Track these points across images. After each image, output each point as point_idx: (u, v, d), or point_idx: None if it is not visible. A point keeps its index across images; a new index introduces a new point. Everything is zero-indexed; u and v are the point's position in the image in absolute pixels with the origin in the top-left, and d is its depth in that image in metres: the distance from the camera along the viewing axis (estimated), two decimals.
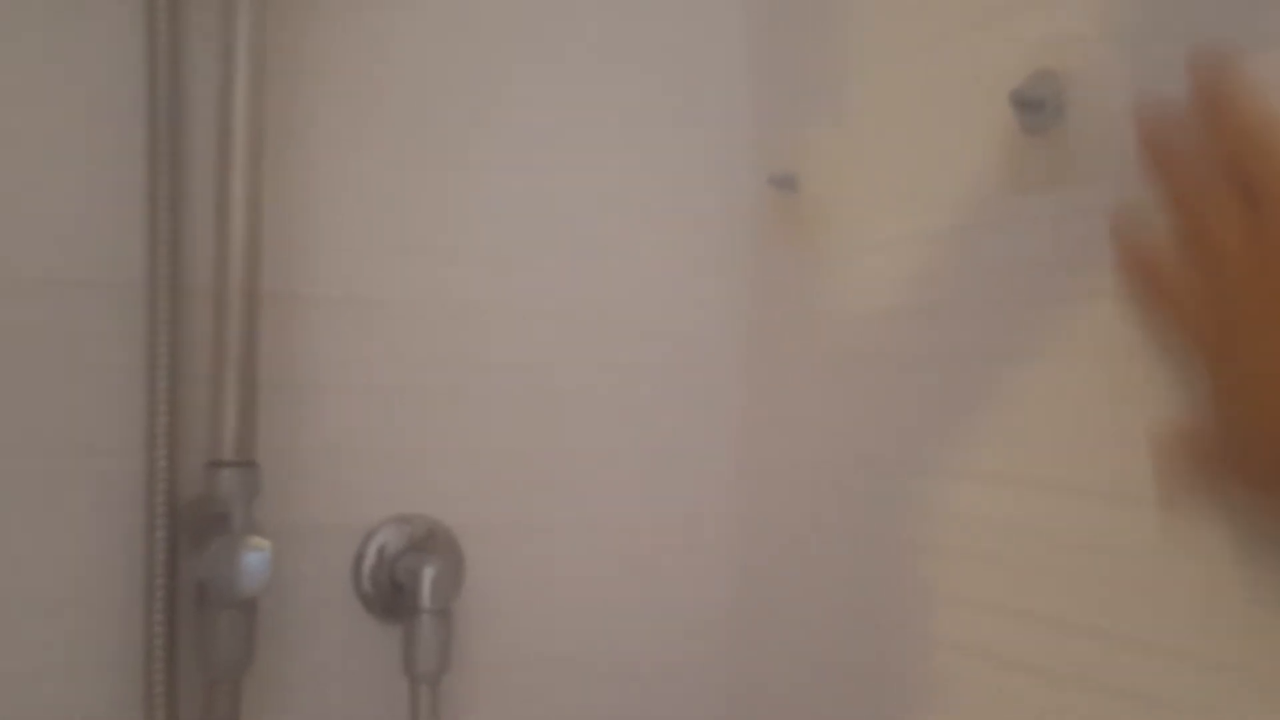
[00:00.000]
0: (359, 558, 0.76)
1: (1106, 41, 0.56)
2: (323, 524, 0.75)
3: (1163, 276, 0.48)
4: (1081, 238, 0.57)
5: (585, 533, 0.83)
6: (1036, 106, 0.58)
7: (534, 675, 0.81)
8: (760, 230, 0.88)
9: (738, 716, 0.88)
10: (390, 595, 0.76)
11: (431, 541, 0.77)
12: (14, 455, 0.66)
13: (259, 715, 0.71)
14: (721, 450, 0.88)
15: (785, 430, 0.84)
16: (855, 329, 0.76)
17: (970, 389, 0.65)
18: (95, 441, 0.68)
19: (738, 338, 0.89)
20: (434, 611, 0.71)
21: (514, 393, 0.81)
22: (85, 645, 0.67)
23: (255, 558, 0.61)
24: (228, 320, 0.67)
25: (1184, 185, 0.46)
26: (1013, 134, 0.61)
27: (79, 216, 0.67)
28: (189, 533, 0.67)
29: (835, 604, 0.76)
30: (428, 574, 0.71)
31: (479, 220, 0.80)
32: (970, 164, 0.65)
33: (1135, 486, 0.54)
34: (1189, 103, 0.47)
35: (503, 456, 0.80)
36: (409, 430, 0.77)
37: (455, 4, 0.79)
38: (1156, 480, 0.51)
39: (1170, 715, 0.51)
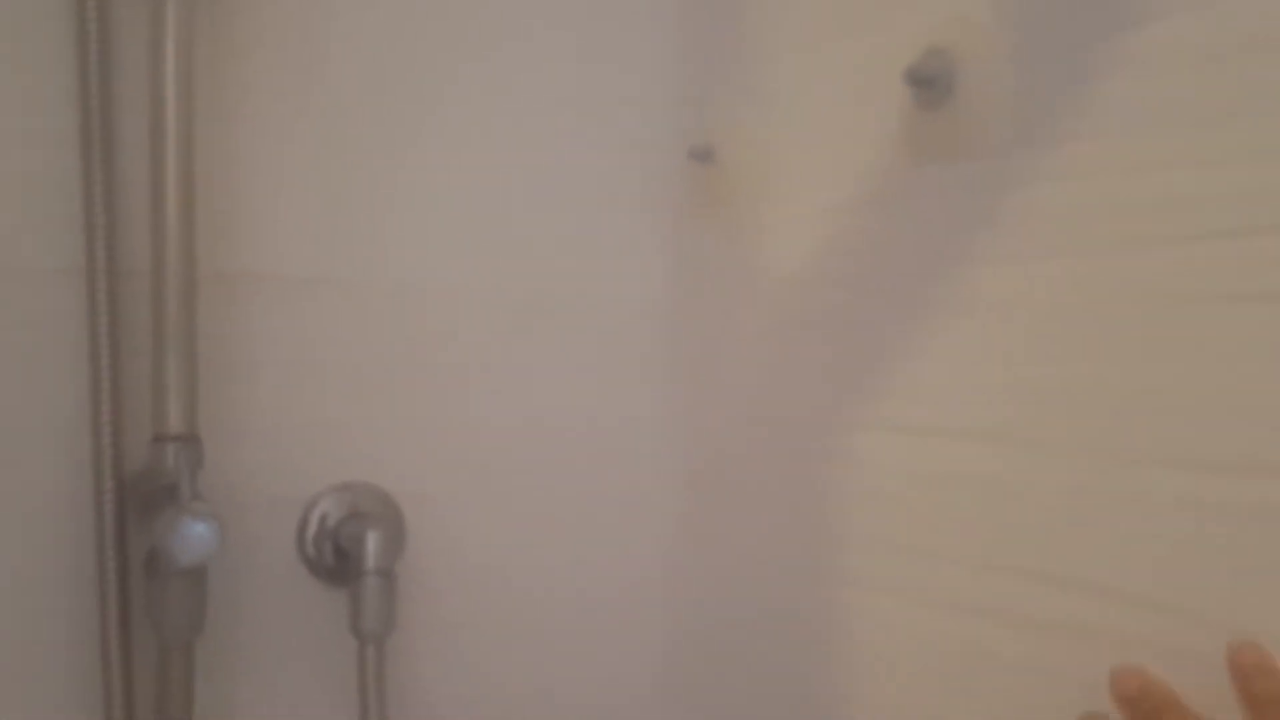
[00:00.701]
0: (303, 525, 0.79)
1: (993, 16, 0.61)
2: (267, 494, 0.77)
3: None
4: (975, 206, 0.62)
5: (522, 496, 0.87)
6: (929, 82, 0.63)
7: (475, 633, 0.85)
8: (682, 202, 0.91)
9: (674, 664, 0.92)
10: (334, 560, 0.79)
11: (372, 507, 0.81)
12: None
13: (212, 678, 0.74)
14: (655, 414, 0.92)
15: (715, 394, 0.88)
16: (778, 294, 0.80)
17: (883, 348, 0.70)
18: (43, 422, 0.70)
19: (664, 307, 0.92)
20: (378, 573, 0.74)
21: (450, 364, 0.84)
22: (42, 616, 0.70)
23: (203, 527, 0.64)
24: (166, 301, 0.69)
25: None
26: (910, 110, 0.66)
27: (16, 206, 0.69)
28: (137, 505, 0.70)
29: (766, 549, 0.81)
30: (371, 537, 0.74)
31: (411, 201, 0.82)
32: (873, 139, 0.69)
33: (1033, 433, 0.59)
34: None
35: (441, 426, 0.84)
36: (347, 403, 0.80)
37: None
38: None
39: (1064, 638, 0.57)
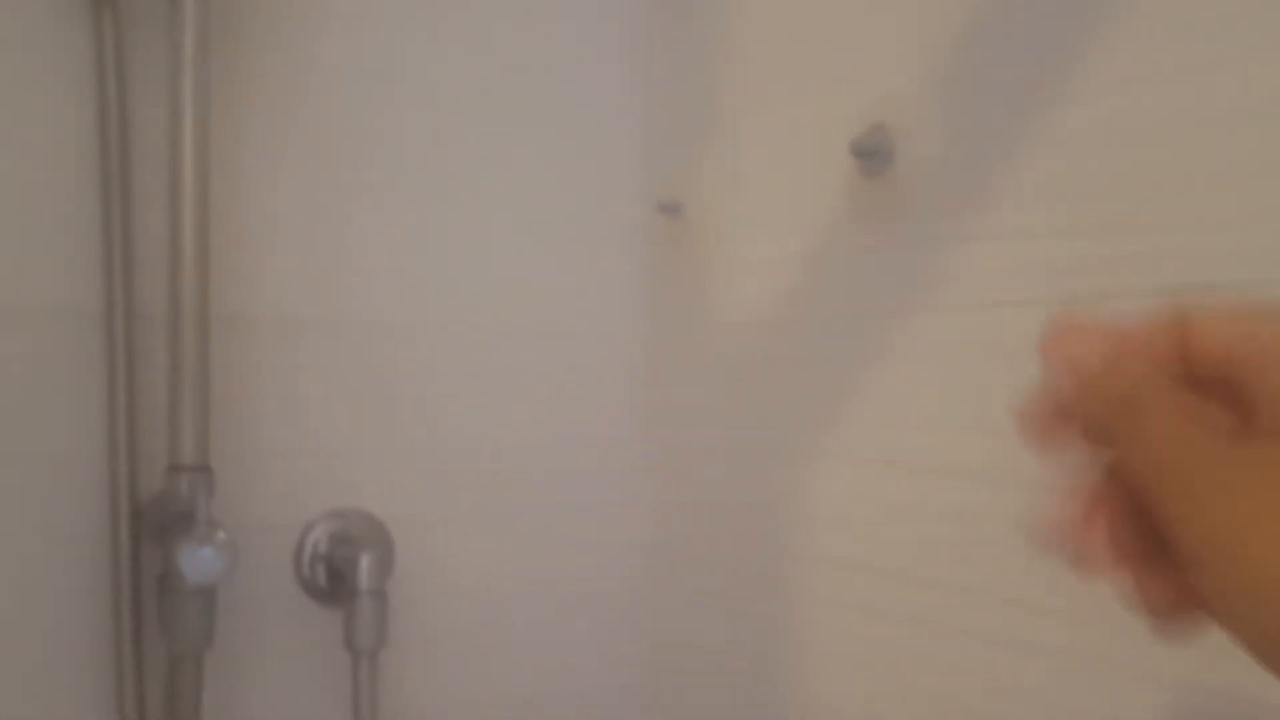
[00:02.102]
0: (299, 549, 0.85)
1: (925, 97, 0.69)
2: (266, 520, 0.83)
3: None
4: (909, 261, 0.70)
5: (503, 518, 0.94)
6: (870, 154, 0.71)
7: (461, 645, 0.92)
8: (651, 251, 0.99)
9: (653, 672, 0.99)
10: (327, 581, 0.85)
11: (363, 531, 0.87)
12: None
13: (220, 688, 0.80)
14: (625, 443, 0.99)
15: (681, 424, 0.95)
16: (737, 336, 0.88)
17: (834, 386, 0.78)
18: (65, 452, 0.75)
19: (635, 344, 1.00)
20: (371, 592, 0.80)
21: (435, 397, 0.91)
22: (63, 628, 0.75)
23: (219, 552, 0.70)
24: (182, 341, 0.75)
25: None
26: (854, 175, 0.74)
27: (42, 252, 0.75)
28: (151, 529, 0.76)
29: (730, 565, 0.88)
30: (365, 559, 0.80)
31: (403, 248, 0.89)
32: (822, 199, 0.78)
33: (962, 463, 0.67)
34: None
35: (427, 454, 0.90)
36: (340, 434, 0.87)
37: (381, 59, 0.88)
38: None
39: (1003, 650, 0.64)
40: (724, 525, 0.89)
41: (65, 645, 0.76)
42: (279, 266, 0.85)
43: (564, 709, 0.96)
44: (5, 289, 0.74)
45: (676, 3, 0.96)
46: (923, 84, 0.69)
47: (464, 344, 0.92)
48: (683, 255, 0.94)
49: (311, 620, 0.85)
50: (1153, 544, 0.27)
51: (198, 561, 0.70)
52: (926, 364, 0.69)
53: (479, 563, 0.93)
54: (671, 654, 0.96)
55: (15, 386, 0.74)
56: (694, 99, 0.93)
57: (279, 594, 0.84)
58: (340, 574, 0.83)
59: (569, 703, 0.96)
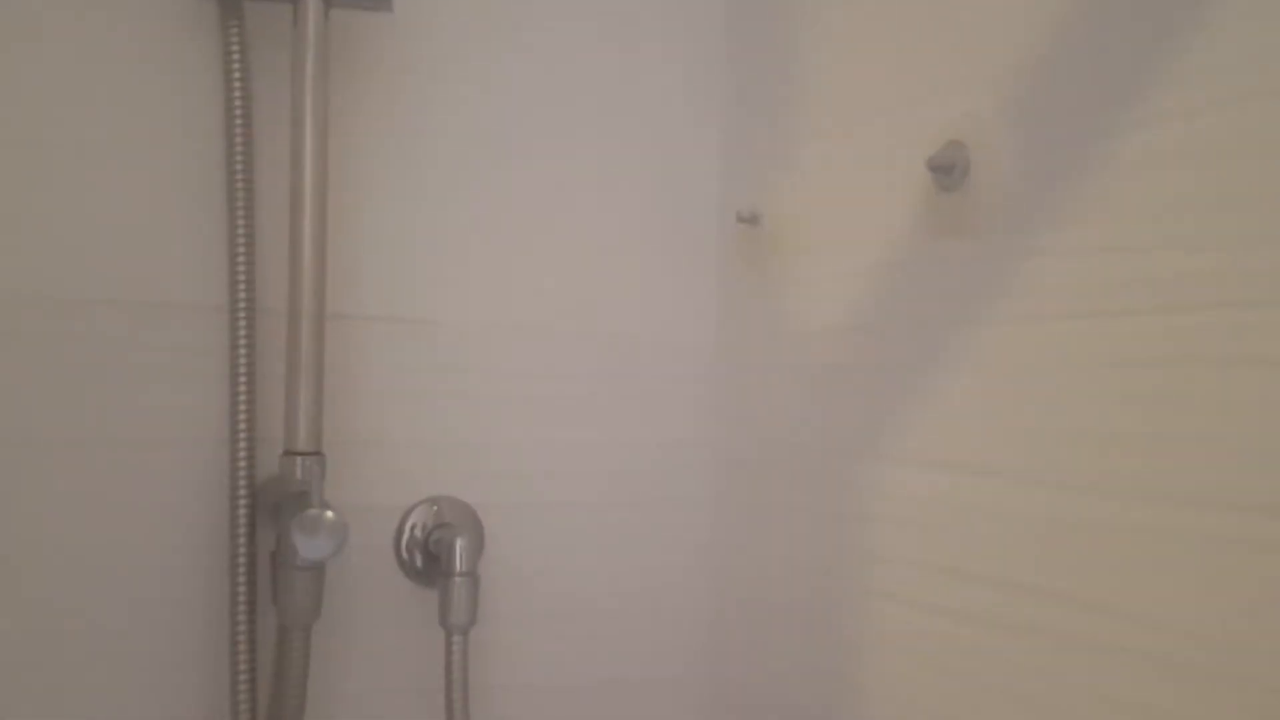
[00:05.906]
0: (399, 532, 0.91)
1: (1001, 118, 0.72)
2: (369, 504, 0.89)
3: None
4: (982, 275, 0.73)
5: (584, 509, 0.99)
6: (947, 170, 0.74)
7: (545, 624, 0.97)
8: (731, 258, 1.03)
9: (714, 643, 1.03)
10: (424, 563, 0.91)
11: (457, 517, 0.93)
12: (123, 447, 0.80)
13: (324, 657, 0.86)
14: (697, 441, 1.04)
15: (752, 424, 0.99)
16: (810, 342, 0.91)
17: (901, 392, 0.81)
18: (188, 435, 0.83)
19: (711, 348, 1.04)
20: (465, 574, 0.85)
21: (522, 395, 0.96)
22: (182, 597, 0.82)
23: (332, 530, 0.76)
24: (299, 336, 0.81)
25: None
26: (930, 191, 0.77)
27: (173, 252, 0.82)
28: (265, 508, 0.82)
29: (794, 560, 0.92)
30: (460, 543, 0.86)
31: (497, 254, 0.95)
32: (898, 212, 0.81)
33: (1023, 467, 0.69)
34: None
35: (516, 447, 0.96)
36: (436, 427, 0.92)
37: (481, 78, 0.94)
38: None
39: (1047, 643, 0.67)
40: (784, 520, 0.92)
41: (185, 613, 0.82)
42: (385, 270, 0.91)
43: (630, 676, 1.01)
44: (140, 288, 0.81)
45: (758, 18, 1.00)
46: (999, 103, 0.72)
47: (550, 346, 0.97)
48: (760, 263, 0.98)
49: (408, 598, 0.91)
50: None
51: (311, 540, 0.76)
52: (997, 375, 0.72)
53: (559, 545, 0.98)
54: (736, 627, 1.00)
55: (147, 376, 0.81)
56: (774, 112, 0.97)
57: (380, 573, 0.90)
58: (435, 556, 0.89)
59: (635, 671, 1.01)
